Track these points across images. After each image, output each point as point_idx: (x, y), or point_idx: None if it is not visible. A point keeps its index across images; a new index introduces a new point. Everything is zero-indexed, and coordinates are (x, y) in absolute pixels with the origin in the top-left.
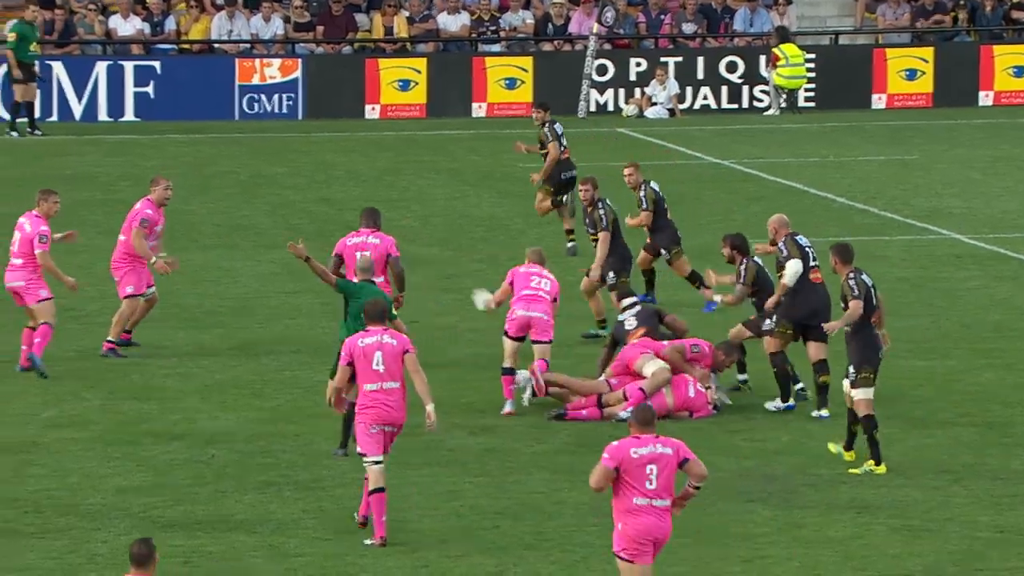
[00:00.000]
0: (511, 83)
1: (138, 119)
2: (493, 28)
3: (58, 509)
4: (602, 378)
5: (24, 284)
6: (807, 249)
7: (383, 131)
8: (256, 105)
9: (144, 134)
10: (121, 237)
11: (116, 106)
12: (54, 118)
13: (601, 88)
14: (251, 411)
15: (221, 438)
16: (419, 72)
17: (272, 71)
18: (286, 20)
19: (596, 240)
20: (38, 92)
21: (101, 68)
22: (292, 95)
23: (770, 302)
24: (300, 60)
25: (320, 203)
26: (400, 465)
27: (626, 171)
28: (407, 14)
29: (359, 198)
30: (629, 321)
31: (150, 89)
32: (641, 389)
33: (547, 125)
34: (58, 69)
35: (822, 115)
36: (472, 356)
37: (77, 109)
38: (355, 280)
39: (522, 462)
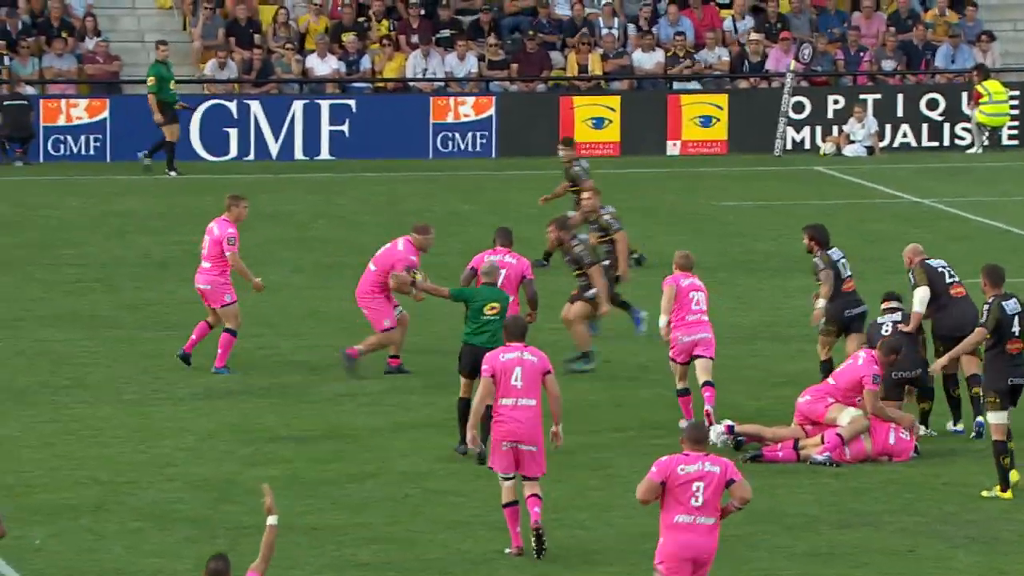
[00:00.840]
0: (706, 121)
1: (333, 157)
2: (688, 65)
3: (253, 548)
4: (794, 425)
5: (211, 287)
6: (940, 270)
7: None
8: (450, 143)
9: (339, 172)
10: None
11: (312, 144)
12: (251, 157)
13: (798, 126)
14: (444, 450)
15: (415, 477)
16: (613, 110)
17: (466, 109)
18: (480, 58)
19: (581, 274)
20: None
21: (297, 107)
22: (486, 133)
23: (910, 328)
24: (494, 98)
25: (520, 242)
26: (598, 508)
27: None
28: (601, 51)
29: None
30: (887, 326)
31: (345, 128)
32: (839, 435)
33: (574, 163)
34: (255, 108)
35: None
36: (658, 396)
37: (274, 148)
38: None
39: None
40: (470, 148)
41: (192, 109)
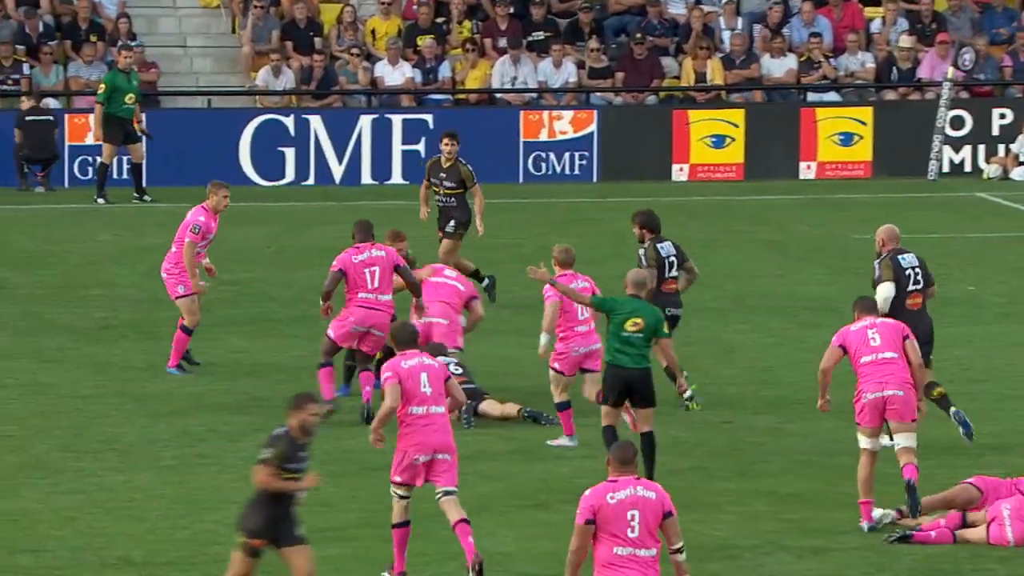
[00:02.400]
0: (847, 138)
1: (406, 182)
2: (825, 73)
3: None
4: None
5: (167, 276)
6: (908, 271)
7: (692, 195)
8: (543, 165)
9: (413, 199)
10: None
11: (382, 167)
12: (310, 181)
13: (956, 144)
14: (533, 527)
15: (500, 559)
16: (736, 126)
17: (563, 125)
18: (580, 65)
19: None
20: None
21: (365, 122)
22: (586, 153)
23: None
24: (596, 112)
25: (617, 280)
26: None
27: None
28: (722, 57)
29: None
30: None
31: (420, 147)
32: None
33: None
34: (316, 124)
35: None
36: (796, 466)
37: (337, 171)
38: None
39: None
40: (567, 171)
41: (152, 138)
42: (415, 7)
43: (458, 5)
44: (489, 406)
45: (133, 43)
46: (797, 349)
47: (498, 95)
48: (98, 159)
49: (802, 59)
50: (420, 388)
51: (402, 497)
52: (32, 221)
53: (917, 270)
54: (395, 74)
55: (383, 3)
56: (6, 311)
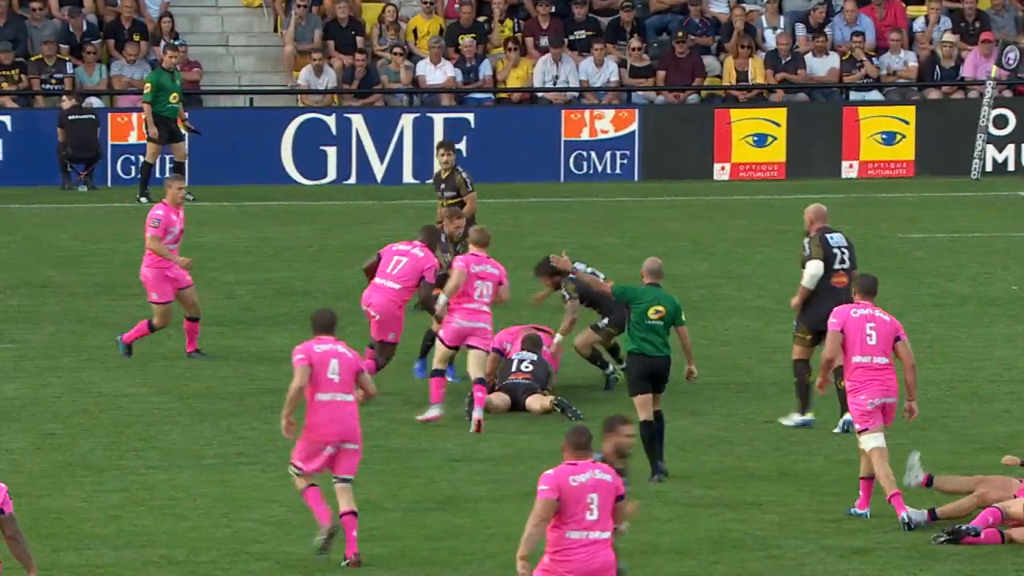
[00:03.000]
0: (889, 138)
1: None
2: (864, 71)
3: None
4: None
5: (143, 280)
6: (835, 250)
7: (734, 194)
8: (584, 164)
9: None
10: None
11: (423, 166)
12: (352, 180)
13: (1000, 144)
14: None
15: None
16: (778, 125)
17: (604, 124)
18: (621, 64)
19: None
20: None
21: (407, 121)
22: (627, 152)
23: (793, 302)
24: (637, 111)
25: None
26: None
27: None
28: (764, 56)
29: (705, 274)
30: None
31: (462, 145)
32: None
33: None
34: (357, 123)
35: None
36: (838, 465)
37: (379, 170)
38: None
39: None
40: (608, 170)
41: (199, 133)
42: (457, 6)
43: (500, 4)
44: (534, 400)
45: (176, 42)
46: None
47: (539, 94)
48: (141, 158)
49: (844, 58)
50: (327, 374)
51: (299, 475)
52: (75, 220)
53: (844, 250)
54: (437, 73)
55: (425, 2)
56: (50, 309)
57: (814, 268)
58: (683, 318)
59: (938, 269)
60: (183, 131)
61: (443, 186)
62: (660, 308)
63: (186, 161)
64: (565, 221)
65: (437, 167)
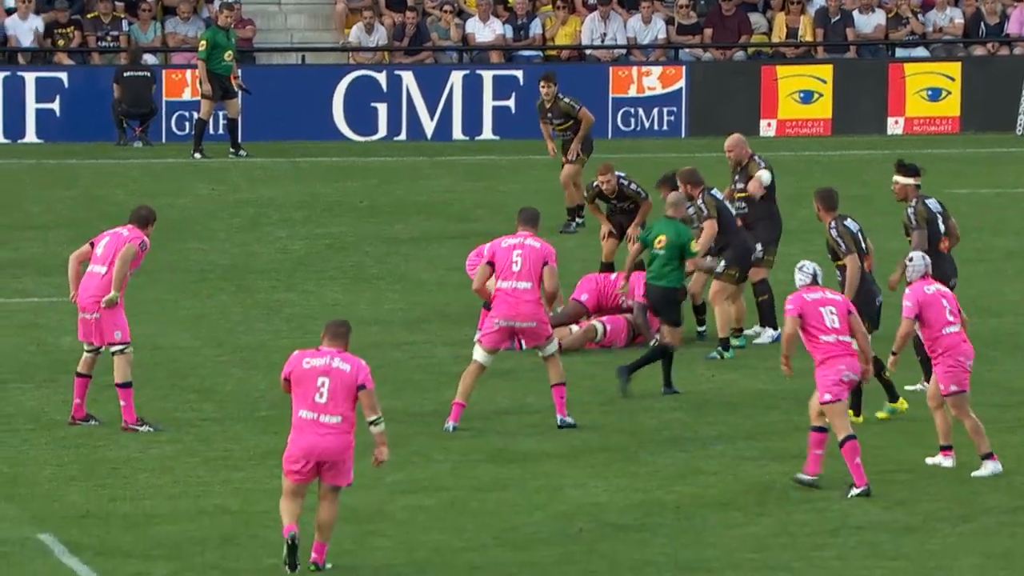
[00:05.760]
0: (935, 94)
1: (497, 137)
2: (910, 28)
3: None
4: None
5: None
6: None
7: (780, 151)
8: (632, 120)
9: (503, 154)
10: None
11: (473, 122)
12: (402, 136)
13: None
14: (623, 477)
15: (590, 509)
16: (824, 81)
17: (651, 81)
18: (669, 22)
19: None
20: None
21: (456, 78)
22: (674, 109)
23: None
24: (684, 68)
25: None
26: (807, 547)
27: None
28: (815, 10)
29: None
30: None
31: (511, 103)
32: None
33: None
34: (408, 80)
35: None
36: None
37: (429, 126)
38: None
39: (947, 544)
40: (656, 126)
41: (250, 93)
42: None
43: None
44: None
45: (231, 0)
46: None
47: (588, 51)
48: (195, 115)
49: (890, 15)
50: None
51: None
52: (130, 175)
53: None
54: (486, 31)
55: None
56: None
57: (766, 177)
58: (694, 249)
59: (983, 224)
60: (236, 89)
61: (549, 115)
62: (662, 237)
63: (239, 118)
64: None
65: (542, 100)
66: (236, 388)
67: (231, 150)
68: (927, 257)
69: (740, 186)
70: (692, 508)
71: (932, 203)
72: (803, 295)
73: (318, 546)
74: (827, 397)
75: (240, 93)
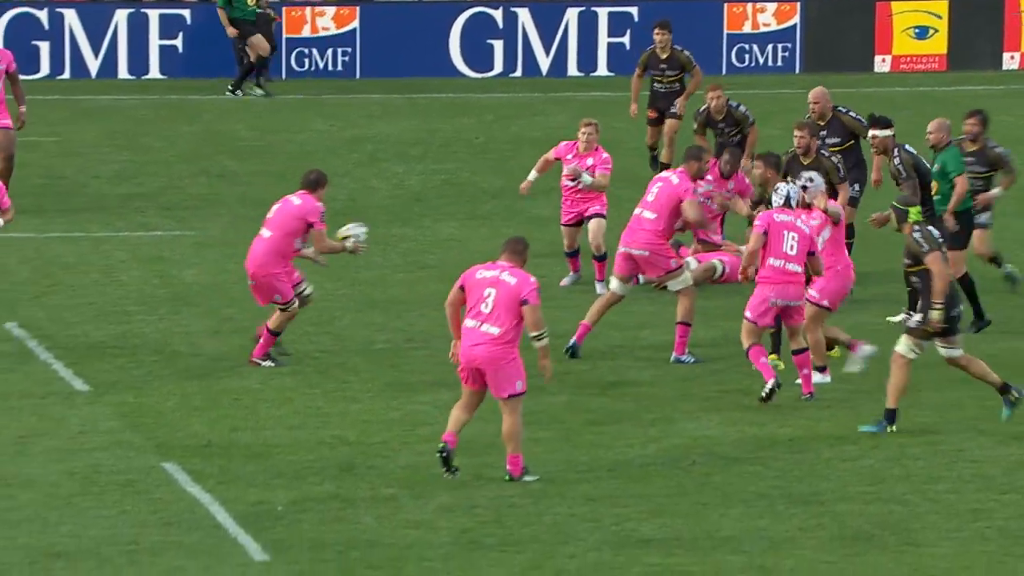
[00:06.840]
0: None
1: (612, 74)
2: None
3: (520, 519)
4: None
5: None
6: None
7: (894, 87)
8: (746, 57)
9: (618, 91)
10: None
11: (588, 59)
12: (518, 73)
13: None
14: (737, 411)
15: (703, 442)
16: (940, 17)
17: (766, 17)
18: None
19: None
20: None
21: (572, 15)
22: (789, 45)
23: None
24: (799, 3)
25: None
26: (919, 480)
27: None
28: None
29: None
30: None
31: (626, 39)
32: None
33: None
34: (523, 17)
35: None
36: (1001, 352)
37: (544, 63)
38: None
39: None
40: (771, 62)
41: (277, 20)
42: None
43: None
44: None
45: None
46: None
47: None
48: (314, 51)
49: None
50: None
51: None
52: (252, 111)
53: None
54: None
55: None
56: (227, 198)
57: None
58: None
59: None
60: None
61: (663, 65)
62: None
63: (269, 57)
64: None
65: (655, 48)
66: (353, 321)
67: (252, 87)
68: (792, 188)
69: (829, 141)
70: (805, 442)
71: (911, 149)
72: (773, 215)
73: (510, 458)
74: (748, 315)
75: (268, 29)
